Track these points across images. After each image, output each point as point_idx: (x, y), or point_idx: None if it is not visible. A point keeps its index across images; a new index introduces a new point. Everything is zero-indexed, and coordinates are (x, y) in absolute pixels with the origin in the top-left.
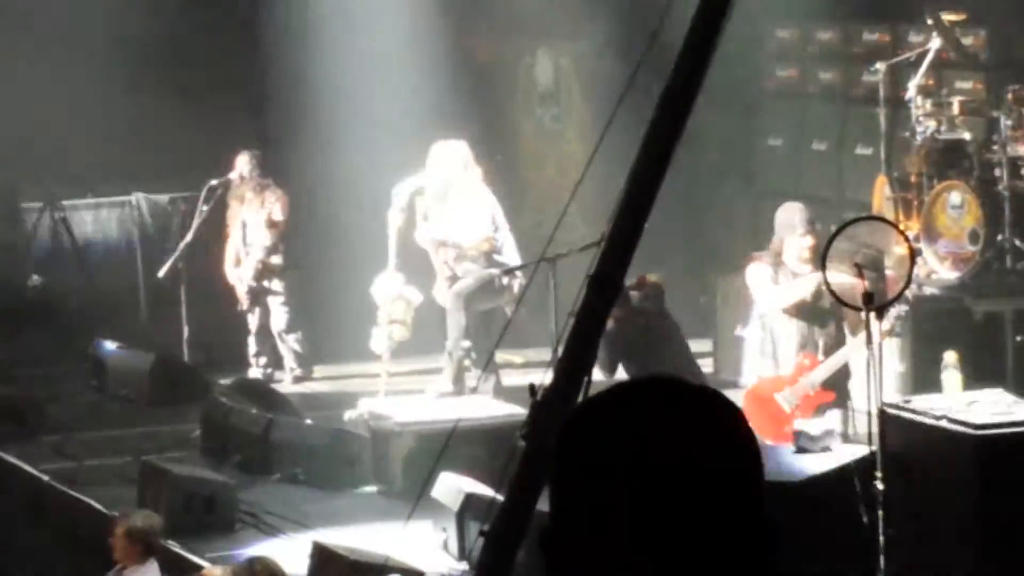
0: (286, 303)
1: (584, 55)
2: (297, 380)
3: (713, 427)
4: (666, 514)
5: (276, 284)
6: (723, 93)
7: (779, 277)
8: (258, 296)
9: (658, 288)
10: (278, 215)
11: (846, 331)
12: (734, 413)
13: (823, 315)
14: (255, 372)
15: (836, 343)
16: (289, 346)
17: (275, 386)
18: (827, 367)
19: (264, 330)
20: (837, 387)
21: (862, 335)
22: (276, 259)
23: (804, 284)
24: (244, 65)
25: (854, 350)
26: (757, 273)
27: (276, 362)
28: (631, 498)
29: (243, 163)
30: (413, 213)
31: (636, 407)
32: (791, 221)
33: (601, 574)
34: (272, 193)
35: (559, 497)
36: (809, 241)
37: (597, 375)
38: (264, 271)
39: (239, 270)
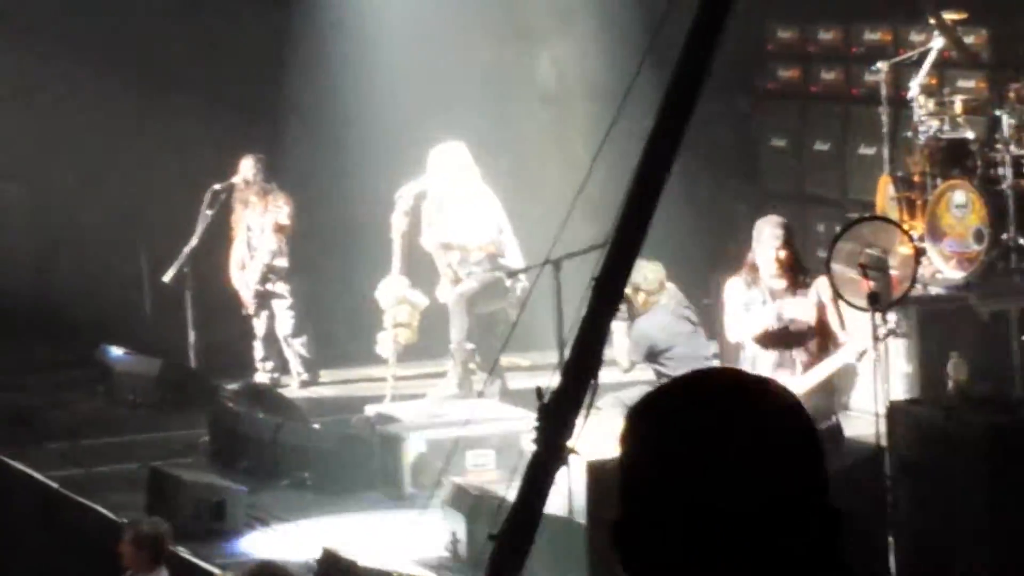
0: (291, 307)
1: (587, 57)
2: (304, 385)
3: (779, 416)
4: (739, 501)
5: (281, 288)
6: (725, 94)
7: (753, 294)
8: (264, 300)
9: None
10: (283, 219)
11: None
12: (795, 401)
13: (795, 336)
14: (262, 377)
15: (817, 359)
16: (295, 351)
17: (282, 391)
18: (801, 384)
19: (270, 335)
20: (824, 400)
21: (842, 352)
22: (281, 262)
23: (763, 316)
24: (249, 69)
25: (835, 365)
26: (729, 294)
27: (283, 367)
28: (704, 486)
29: (247, 167)
30: (417, 217)
31: (703, 399)
32: (763, 234)
33: (674, 561)
34: (277, 196)
35: (630, 487)
36: (780, 255)
37: (604, 377)
38: (269, 275)
39: (244, 274)
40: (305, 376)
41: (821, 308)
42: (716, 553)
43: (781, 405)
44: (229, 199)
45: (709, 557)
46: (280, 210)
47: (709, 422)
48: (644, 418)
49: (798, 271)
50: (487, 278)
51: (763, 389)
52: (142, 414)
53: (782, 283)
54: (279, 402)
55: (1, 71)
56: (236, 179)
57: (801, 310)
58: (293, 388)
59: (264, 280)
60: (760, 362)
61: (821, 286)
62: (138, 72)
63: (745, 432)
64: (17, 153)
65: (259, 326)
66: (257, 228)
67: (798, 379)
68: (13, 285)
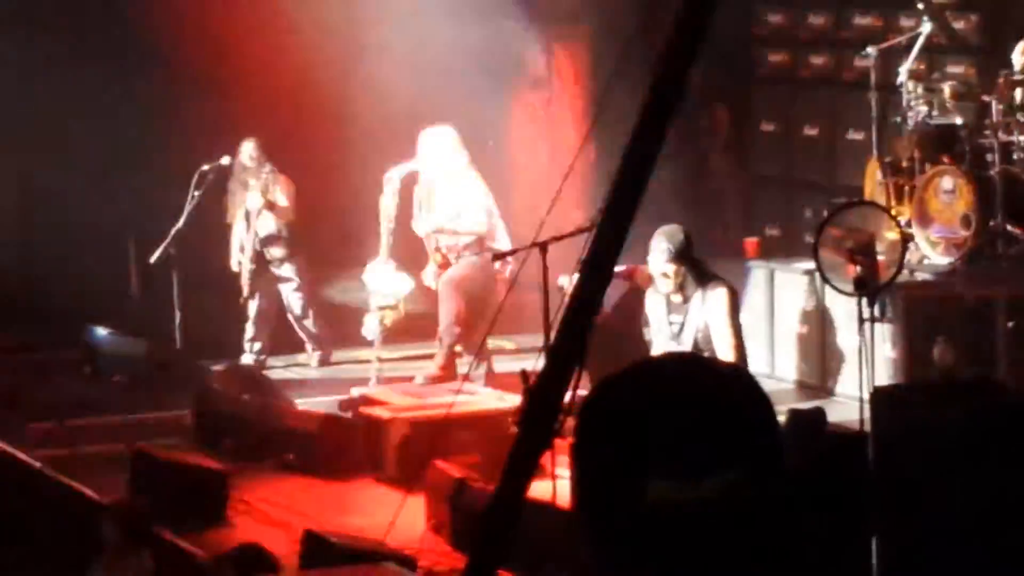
0: (298, 288)
1: (576, 40)
2: (323, 362)
3: (740, 405)
4: (680, 494)
5: (286, 270)
6: (714, 77)
7: (671, 305)
8: (258, 282)
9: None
10: (282, 201)
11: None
12: (749, 379)
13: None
14: (248, 358)
15: None
16: (307, 330)
17: (285, 371)
18: None
19: (263, 316)
20: None
21: None
22: (282, 246)
23: (664, 330)
24: (238, 52)
25: None
26: (648, 305)
27: (271, 348)
28: (644, 479)
29: (247, 150)
30: (405, 200)
31: (648, 388)
32: (652, 248)
33: (628, 553)
34: (276, 179)
35: (583, 464)
36: (667, 269)
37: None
38: (272, 259)
39: (243, 255)
40: (319, 354)
41: (708, 321)
42: (663, 547)
43: (730, 389)
44: (217, 180)
45: (654, 551)
46: (279, 193)
47: (661, 409)
48: (592, 409)
49: (694, 283)
50: (476, 261)
51: (708, 366)
52: (127, 395)
53: (677, 297)
54: (264, 383)
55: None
56: (226, 161)
57: (692, 322)
58: (312, 367)
59: (260, 261)
60: None
61: (714, 299)
62: (125, 52)
63: (688, 419)
64: (3, 134)
65: (252, 307)
66: (256, 211)
67: None
68: None
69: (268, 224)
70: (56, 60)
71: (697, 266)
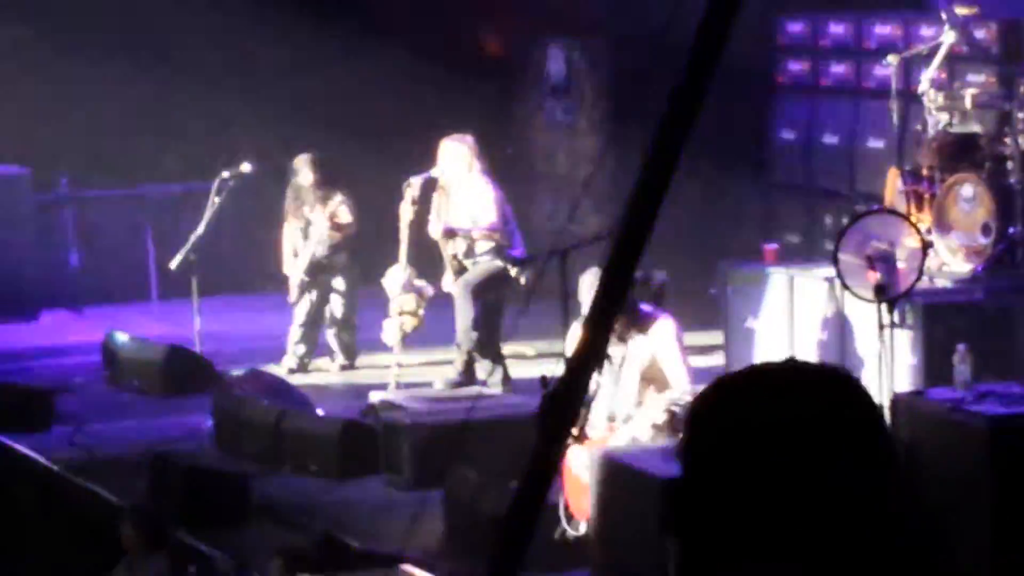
0: (344, 296)
1: (596, 48)
2: (344, 368)
3: (849, 414)
4: (800, 497)
5: (338, 282)
6: (734, 86)
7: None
8: (309, 288)
9: (663, 288)
10: (345, 217)
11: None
12: (869, 400)
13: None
14: (290, 361)
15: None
16: (341, 340)
17: (304, 376)
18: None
19: (310, 322)
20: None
21: (633, 425)
22: (340, 258)
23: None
24: (259, 60)
25: (624, 438)
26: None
27: (315, 353)
28: (762, 478)
29: (304, 174)
30: (424, 206)
31: (767, 390)
32: (584, 287)
33: (728, 550)
34: (336, 195)
35: (693, 474)
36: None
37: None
38: (325, 268)
39: (296, 261)
40: (344, 361)
41: (656, 354)
42: (772, 549)
43: (851, 401)
44: (237, 187)
45: (766, 552)
46: (340, 208)
47: (771, 414)
48: (707, 409)
49: (631, 322)
50: (492, 268)
51: (833, 382)
52: (147, 399)
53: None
54: (283, 389)
55: (9, 50)
56: (246, 167)
57: (636, 356)
58: (333, 372)
59: (315, 271)
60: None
61: (660, 331)
62: (151, 57)
63: (806, 422)
64: (26, 140)
65: (299, 313)
66: (316, 222)
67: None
68: (19, 270)
69: (327, 236)
70: (83, 61)
71: (631, 306)
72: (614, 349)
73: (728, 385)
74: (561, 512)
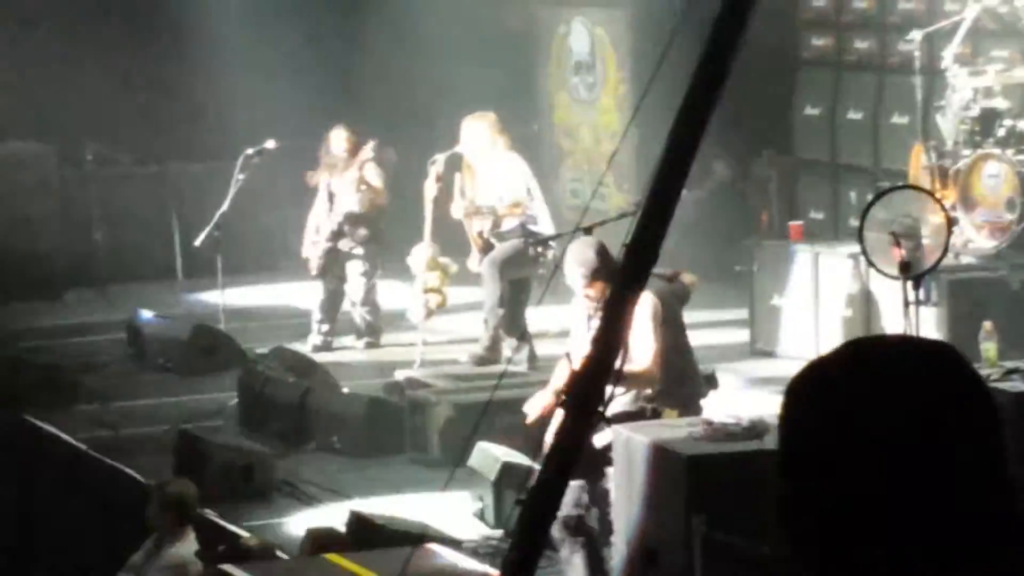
0: (365, 274)
1: (619, 24)
2: (369, 345)
3: (956, 384)
4: (913, 474)
5: (358, 252)
6: (759, 62)
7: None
8: (330, 263)
9: (687, 290)
10: (373, 180)
11: None
12: (972, 370)
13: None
14: (315, 339)
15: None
16: (364, 317)
17: (329, 354)
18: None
19: (332, 298)
20: None
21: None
22: (363, 229)
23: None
24: (291, 37)
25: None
26: (571, 312)
27: (338, 330)
28: (877, 460)
29: (338, 139)
30: (448, 184)
31: (870, 367)
32: (569, 270)
33: (847, 537)
34: (368, 164)
35: (798, 460)
36: (589, 293)
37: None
38: (347, 238)
39: (318, 236)
40: (368, 340)
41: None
42: (891, 528)
43: (958, 373)
44: (261, 164)
45: (883, 532)
46: (371, 172)
47: (878, 391)
48: (808, 390)
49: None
50: (517, 244)
51: (938, 355)
52: (172, 377)
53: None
54: (309, 366)
55: (37, 37)
56: (270, 144)
57: None
58: (358, 349)
59: (337, 239)
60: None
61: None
62: (177, 38)
63: (919, 401)
64: (51, 117)
65: (322, 288)
66: (342, 192)
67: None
68: (46, 249)
69: (352, 204)
70: (105, 44)
71: (615, 276)
72: (594, 320)
73: (828, 363)
74: None
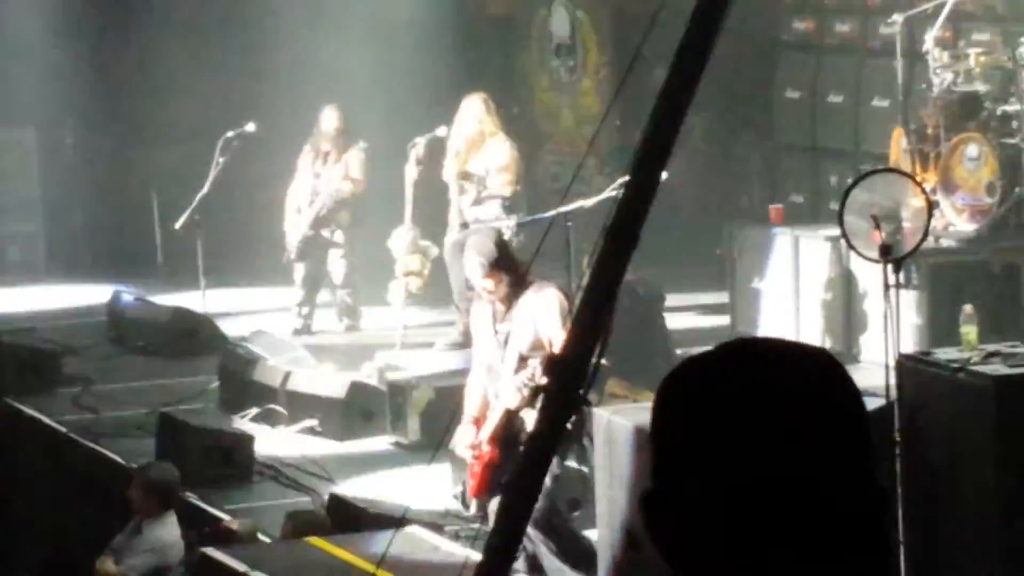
0: (345, 256)
1: (600, 7)
2: (349, 329)
3: (822, 384)
4: (779, 473)
5: (339, 236)
6: (740, 45)
7: (496, 314)
8: (309, 246)
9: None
10: (356, 172)
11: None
12: (841, 370)
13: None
14: (295, 322)
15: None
16: (344, 300)
17: (309, 337)
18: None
19: (311, 280)
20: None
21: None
22: (345, 214)
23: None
24: (271, 20)
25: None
26: (472, 316)
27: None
28: (744, 457)
29: (329, 119)
30: (429, 166)
31: (743, 366)
32: (466, 260)
33: (709, 537)
34: (352, 149)
35: (665, 456)
36: (487, 285)
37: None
38: (328, 222)
39: (298, 217)
40: (348, 322)
41: (538, 324)
42: (754, 530)
43: (824, 373)
44: (241, 146)
45: (746, 533)
46: (354, 162)
47: (749, 390)
48: (680, 385)
49: (516, 288)
50: (485, 229)
51: (805, 357)
52: (153, 360)
53: (500, 306)
54: (288, 349)
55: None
56: (250, 127)
57: (520, 328)
58: (338, 332)
59: (318, 225)
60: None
61: (543, 302)
62: (154, 17)
63: (787, 400)
64: (31, 99)
65: (299, 270)
66: (326, 177)
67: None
68: (27, 231)
69: (335, 190)
70: (83, 25)
71: (516, 271)
72: (500, 325)
73: (700, 361)
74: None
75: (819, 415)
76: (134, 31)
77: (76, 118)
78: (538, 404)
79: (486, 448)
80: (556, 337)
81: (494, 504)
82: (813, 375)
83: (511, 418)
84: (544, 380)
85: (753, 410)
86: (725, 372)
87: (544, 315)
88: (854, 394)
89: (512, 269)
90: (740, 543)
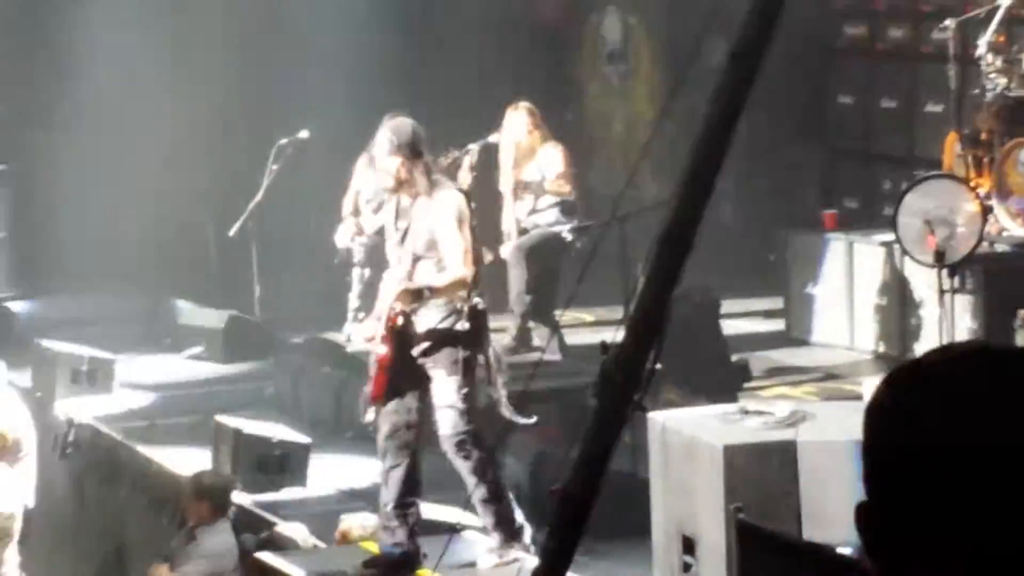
0: None
1: (653, 13)
2: None
3: None
4: (1008, 486)
5: None
6: (793, 51)
7: (400, 211)
8: (373, 254)
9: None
10: None
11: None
12: None
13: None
14: (350, 327)
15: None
16: None
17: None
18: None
19: (369, 287)
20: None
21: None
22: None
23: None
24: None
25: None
26: (384, 210)
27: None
28: (972, 470)
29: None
30: (482, 174)
31: (974, 378)
32: (376, 141)
33: (928, 551)
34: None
35: (883, 466)
36: (385, 162)
37: None
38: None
39: (359, 220)
40: None
41: (434, 229)
42: (978, 545)
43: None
44: (295, 154)
45: (969, 548)
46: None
47: (980, 398)
48: (902, 391)
49: (420, 185)
50: (547, 234)
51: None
52: (207, 367)
53: (405, 200)
54: (343, 356)
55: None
56: (304, 134)
57: (416, 227)
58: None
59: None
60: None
61: (440, 204)
62: (211, 26)
63: (1019, 410)
64: (84, 107)
65: (357, 276)
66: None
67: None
68: (82, 238)
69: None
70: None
71: (426, 168)
72: (400, 222)
73: (925, 368)
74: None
75: None
76: (191, 36)
77: (130, 124)
78: (421, 311)
79: (381, 348)
80: (448, 240)
81: (387, 410)
82: None
83: (405, 318)
84: (397, 310)
85: (981, 418)
86: (963, 379)
87: (440, 217)
88: None
89: (418, 159)
90: (957, 560)
